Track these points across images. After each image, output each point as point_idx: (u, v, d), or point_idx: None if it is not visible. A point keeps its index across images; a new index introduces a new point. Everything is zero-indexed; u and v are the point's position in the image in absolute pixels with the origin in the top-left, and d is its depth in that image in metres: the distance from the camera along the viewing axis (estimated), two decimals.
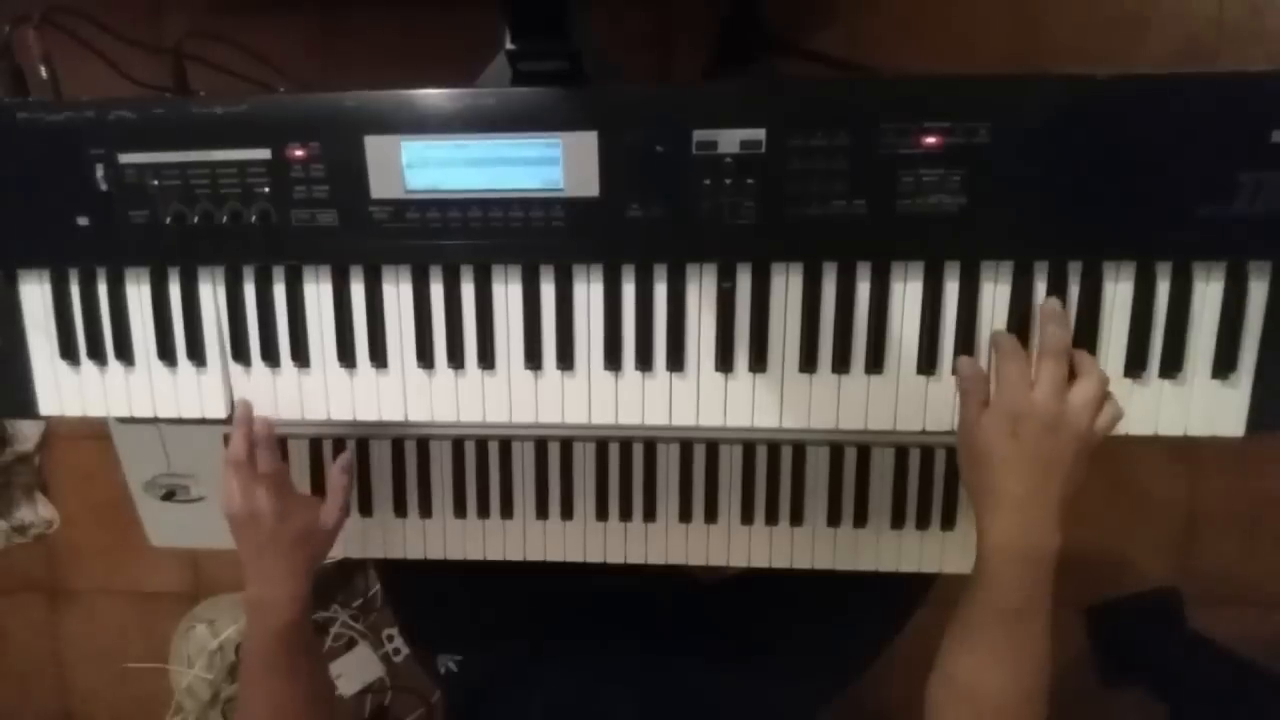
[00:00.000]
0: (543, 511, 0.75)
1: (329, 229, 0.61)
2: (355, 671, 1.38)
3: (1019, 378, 0.55)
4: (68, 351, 0.65)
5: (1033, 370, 0.56)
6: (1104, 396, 0.55)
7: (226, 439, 0.75)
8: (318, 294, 0.64)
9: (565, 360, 0.62)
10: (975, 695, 0.56)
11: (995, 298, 0.60)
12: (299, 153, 0.59)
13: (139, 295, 0.65)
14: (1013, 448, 0.54)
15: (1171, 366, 0.59)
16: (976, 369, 0.58)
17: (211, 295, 0.64)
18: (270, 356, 0.65)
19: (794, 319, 0.61)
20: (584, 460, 0.74)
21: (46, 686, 1.54)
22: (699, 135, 0.57)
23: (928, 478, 0.72)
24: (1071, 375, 0.55)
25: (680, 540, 0.75)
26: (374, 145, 0.59)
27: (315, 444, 0.74)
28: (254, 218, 0.60)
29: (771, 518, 0.74)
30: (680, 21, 1.16)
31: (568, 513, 0.75)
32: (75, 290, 0.65)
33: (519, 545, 0.76)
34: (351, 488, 0.71)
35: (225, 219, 0.61)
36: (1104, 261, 0.58)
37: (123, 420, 0.69)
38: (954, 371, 0.60)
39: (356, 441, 0.75)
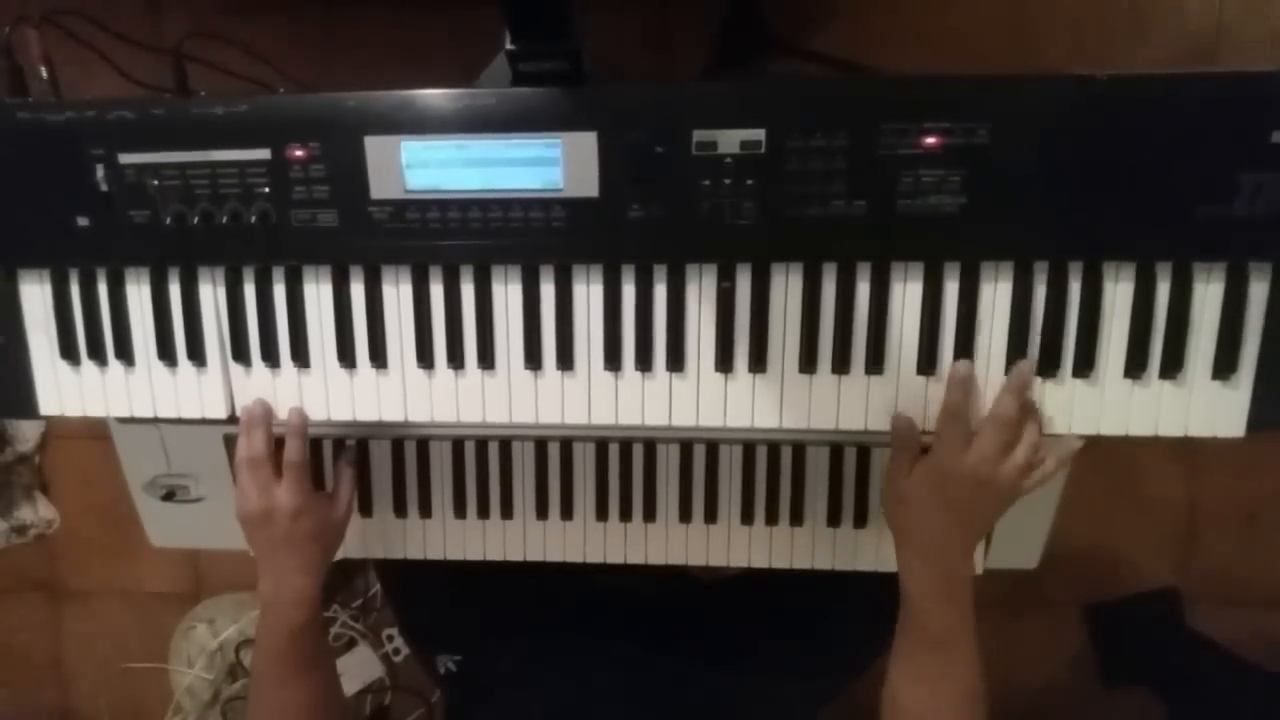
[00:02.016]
0: (543, 512, 0.75)
1: (329, 229, 0.61)
2: (355, 671, 1.38)
3: (958, 442, 0.57)
4: (68, 351, 0.65)
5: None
6: (1038, 458, 0.58)
7: (227, 439, 0.75)
8: (318, 294, 0.64)
9: (565, 360, 0.62)
10: (913, 714, 0.60)
11: (995, 298, 0.60)
12: (299, 153, 0.59)
13: (139, 295, 0.65)
14: (936, 503, 0.58)
15: (1172, 367, 0.59)
16: (912, 427, 0.61)
17: (211, 295, 0.64)
18: (270, 357, 0.64)
19: (794, 319, 0.61)
20: (584, 460, 0.74)
21: (46, 686, 1.54)
22: (699, 135, 0.57)
23: None
24: None
25: (680, 540, 0.75)
26: (374, 145, 0.59)
27: (315, 444, 0.74)
28: (254, 218, 0.60)
29: (771, 518, 0.74)
30: (680, 21, 1.16)
31: (568, 513, 0.75)
32: (75, 290, 0.65)
33: (519, 545, 0.76)
34: (355, 480, 0.72)
35: (225, 219, 0.61)
36: (1104, 262, 0.58)
37: (123, 420, 0.69)
38: (948, 370, 0.60)
39: (357, 442, 0.75)
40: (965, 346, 0.60)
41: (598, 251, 0.60)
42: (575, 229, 0.59)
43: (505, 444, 0.74)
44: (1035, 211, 0.57)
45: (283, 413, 0.65)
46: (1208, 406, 0.60)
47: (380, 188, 0.59)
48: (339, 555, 0.71)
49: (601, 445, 0.74)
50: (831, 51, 1.10)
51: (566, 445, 0.74)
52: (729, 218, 0.58)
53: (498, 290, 0.62)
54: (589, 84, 0.58)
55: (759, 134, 0.56)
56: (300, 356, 0.64)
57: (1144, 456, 1.26)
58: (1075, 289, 0.59)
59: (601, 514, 0.75)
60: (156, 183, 0.60)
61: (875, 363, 0.61)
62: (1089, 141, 0.55)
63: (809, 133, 0.56)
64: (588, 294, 0.62)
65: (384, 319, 0.63)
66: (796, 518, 0.73)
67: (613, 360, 0.62)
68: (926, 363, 0.61)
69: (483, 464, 0.75)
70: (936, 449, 0.59)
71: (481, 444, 0.74)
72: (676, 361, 0.62)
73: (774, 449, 0.73)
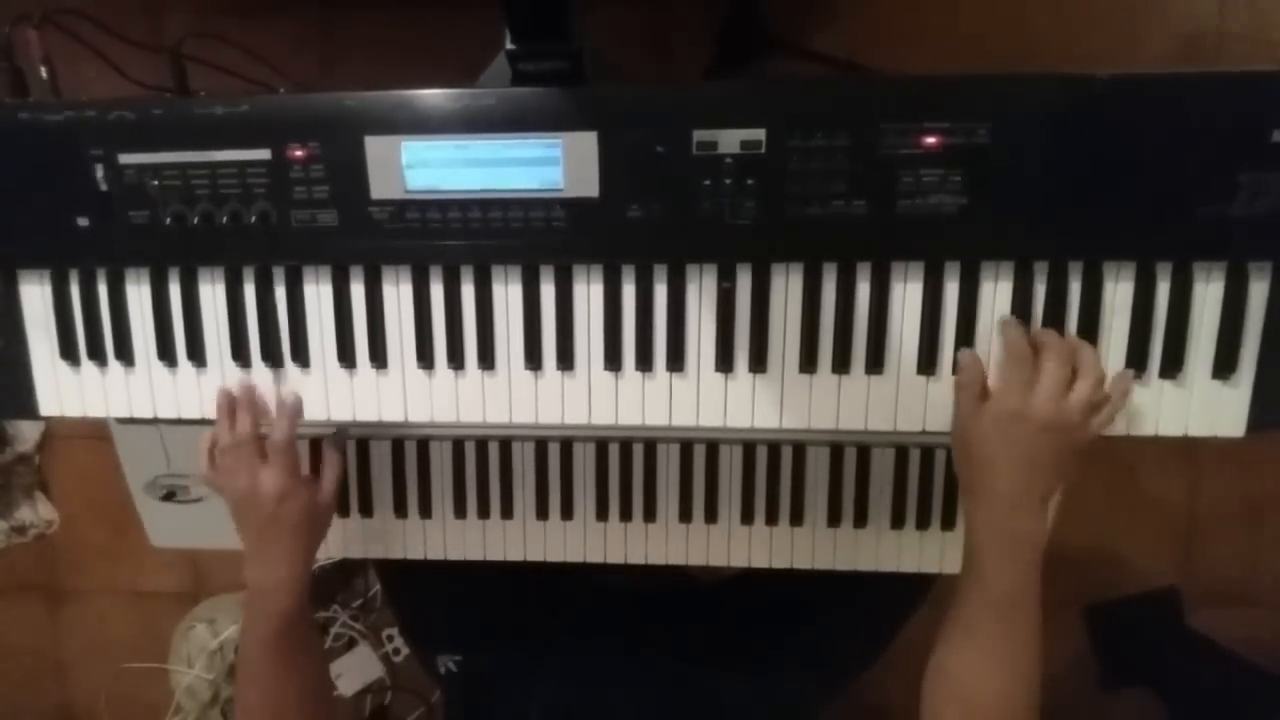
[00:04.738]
0: (543, 512, 0.75)
1: (329, 229, 0.61)
2: (355, 671, 1.38)
3: (1022, 382, 0.56)
4: (68, 352, 0.65)
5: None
6: (1103, 396, 0.56)
7: None
8: (318, 294, 0.64)
9: (565, 360, 0.62)
10: (968, 689, 0.56)
11: (995, 298, 0.60)
12: (299, 153, 0.59)
13: (139, 295, 0.65)
14: (1005, 448, 0.55)
15: (1172, 366, 0.59)
16: (977, 363, 0.59)
17: (211, 295, 0.64)
18: (270, 357, 0.64)
19: (794, 319, 0.61)
20: (584, 460, 0.74)
21: (46, 686, 1.54)
22: (699, 135, 0.57)
23: (928, 478, 0.72)
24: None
25: (680, 540, 0.75)
26: (374, 145, 0.59)
27: (315, 444, 0.74)
28: (254, 218, 0.60)
29: (771, 518, 0.74)
30: (680, 21, 1.16)
31: (568, 513, 0.75)
32: (75, 290, 0.65)
33: (519, 545, 0.76)
34: (344, 465, 0.71)
35: (225, 219, 0.61)
36: (1104, 261, 0.58)
37: (123, 420, 0.69)
38: (954, 368, 0.60)
39: (357, 441, 0.75)
40: (966, 346, 0.60)
41: (598, 251, 0.60)
42: (575, 229, 0.59)
43: (505, 444, 0.74)
44: (1035, 211, 0.57)
45: (274, 412, 0.65)
46: (1208, 406, 0.60)
47: (380, 188, 0.59)
48: (340, 555, 0.71)
49: (601, 445, 0.74)
50: (831, 51, 1.10)
51: (566, 445, 0.74)
52: (729, 218, 0.58)
53: (498, 290, 0.62)
54: (589, 84, 0.58)
55: (759, 134, 0.56)
56: (300, 356, 0.64)
57: (1144, 456, 1.26)
58: (1075, 289, 0.59)
59: (601, 514, 0.75)
60: (156, 183, 0.60)
61: (875, 363, 0.61)
62: (1089, 141, 0.55)
63: (809, 132, 0.56)
64: (588, 294, 0.62)
65: (384, 319, 0.63)
66: (796, 518, 0.73)
67: (613, 360, 0.62)
68: (927, 362, 0.61)
69: (483, 464, 0.75)
70: (1000, 390, 0.57)
71: (481, 444, 0.74)
72: (677, 361, 0.62)
73: (774, 449, 0.73)
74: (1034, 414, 0.55)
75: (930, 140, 0.56)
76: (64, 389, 0.67)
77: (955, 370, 0.60)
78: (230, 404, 0.64)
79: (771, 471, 0.73)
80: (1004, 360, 0.58)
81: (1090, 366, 0.56)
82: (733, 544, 0.75)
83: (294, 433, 0.64)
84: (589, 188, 0.58)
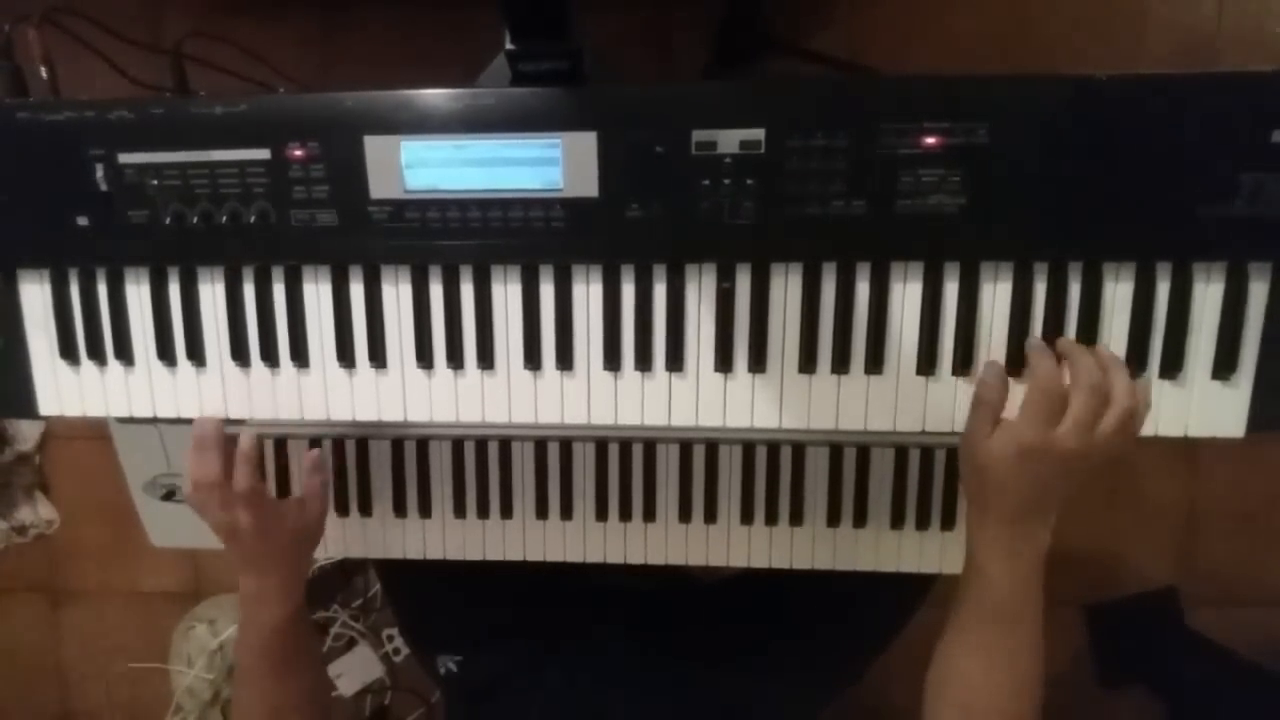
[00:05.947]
0: (542, 512, 0.75)
1: (328, 229, 0.61)
2: (355, 671, 1.38)
3: (1046, 414, 0.52)
4: (68, 351, 0.65)
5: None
6: (1131, 420, 0.53)
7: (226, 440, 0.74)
8: (317, 294, 0.64)
9: (564, 360, 0.62)
10: (970, 697, 0.56)
11: (995, 298, 0.60)
12: (299, 153, 0.59)
13: (139, 295, 0.65)
14: (1020, 475, 0.53)
15: (1172, 367, 0.59)
16: (1002, 384, 0.56)
17: (211, 295, 0.64)
18: (270, 356, 0.64)
19: (793, 319, 0.61)
20: (584, 460, 0.74)
21: (46, 686, 1.54)
22: (698, 135, 0.57)
23: (927, 478, 0.72)
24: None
25: (680, 540, 0.75)
26: (373, 145, 0.59)
27: (315, 444, 0.74)
28: (253, 218, 0.60)
29: (771, 518, 0.74)
30: (680, 21, 1.16)
31: (567, 513, 0.75)
32: (75, 290, 0.65)
33: (519, 545, 0.76)
34: (329, 483, 0.71)
35: (225, 219, 0.61)
36: (1104, 261, 0.58)
37: (123, 420, 0.69)
38: (953, 368, 0.60)
39: (356, 441, 0.75)
40: (965, 346, 0.60)
41: (597, 251, 0.60)
42: (575, 229, 0.59)
43: (505, 444, 0.74)
44: (1035, 211, 0.57)
45: (283, 414, 0.65)
46: (1207, 406, 0.60)
47: (380, 187, 0.59)
48: (340, 555, 0.71)
49: (601, 445, 0.74)
50: (831, 51, 1.10)
51: (566, 445, 0.74)
52: (728, 217, 0.58)
53: (497, 290, 0.62)
54: (589, 84, 0.58)
55: (759, 134, 0.56)
56: (299, 356, 0.64)
57: (1144, 456, 1.26)
58: (1075, 289, 0.59)
59: (601, 514, 0.75)
60: (156, 183, 0.60)
61: (875, 363, 0.61)
62: (1088, 141, 0.55)
63: (809, 132, 0.56)
64: (587, 294, 0.62)
65: (383, 319, 0.63)
66: (796, 518, 0.73)
67: (612, 360, 0.62)
68: (926, 363, 0.61)
69: (482, 464, 0.75)
70: (1023, 420, 0.53)
71: (481, 444, 0.74)
72: (676, 361, 0.62)
73: (774, 449, 0.73)
74: (1058, 449, 0.52)
75: (930, 140, 0.56)
76: (64, 389, 0.66)
77: (968, 370, 0.59)
78: (198, 441, 0.62)
79: (771, 472, 0.73)
80: (1030, 390, 0.54)
81: (1122, 394, 0.52)
82: (732, 544, 0.75)
83: (254, 479, 0.62)
84: (588, 188, 0.58)
